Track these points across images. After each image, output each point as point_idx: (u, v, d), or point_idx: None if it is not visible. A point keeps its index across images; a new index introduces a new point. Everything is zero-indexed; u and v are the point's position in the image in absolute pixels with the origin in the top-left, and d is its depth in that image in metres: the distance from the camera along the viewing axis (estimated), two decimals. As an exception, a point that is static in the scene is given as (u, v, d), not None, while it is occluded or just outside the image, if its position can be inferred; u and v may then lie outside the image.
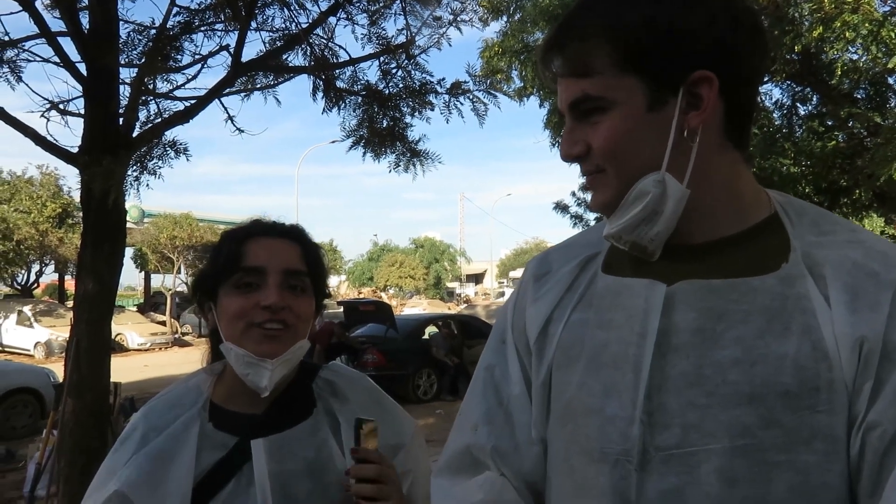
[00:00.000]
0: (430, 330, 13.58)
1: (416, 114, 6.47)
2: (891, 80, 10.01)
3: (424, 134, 6.58)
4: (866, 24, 7.25)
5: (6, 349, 19.48)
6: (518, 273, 48.88)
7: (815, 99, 11.27)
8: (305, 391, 1.24)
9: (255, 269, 1.16)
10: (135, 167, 5.55)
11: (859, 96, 10.59)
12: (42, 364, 14.08)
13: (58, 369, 9.94)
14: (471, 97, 6.31)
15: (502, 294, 43.52)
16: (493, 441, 0.98)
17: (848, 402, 0.78)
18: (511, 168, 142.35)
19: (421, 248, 50.17)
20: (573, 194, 15.55)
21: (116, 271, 5.28)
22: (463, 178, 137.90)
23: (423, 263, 47.34)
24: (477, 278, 63.21)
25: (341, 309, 14.09)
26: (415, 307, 31.66)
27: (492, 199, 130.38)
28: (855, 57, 8.51)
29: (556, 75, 0.90)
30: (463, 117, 6.47)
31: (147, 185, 5.82)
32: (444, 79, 6.33)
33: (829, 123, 10.84)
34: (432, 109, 6.44)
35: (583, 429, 0.88)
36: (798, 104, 11.50)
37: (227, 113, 6.18)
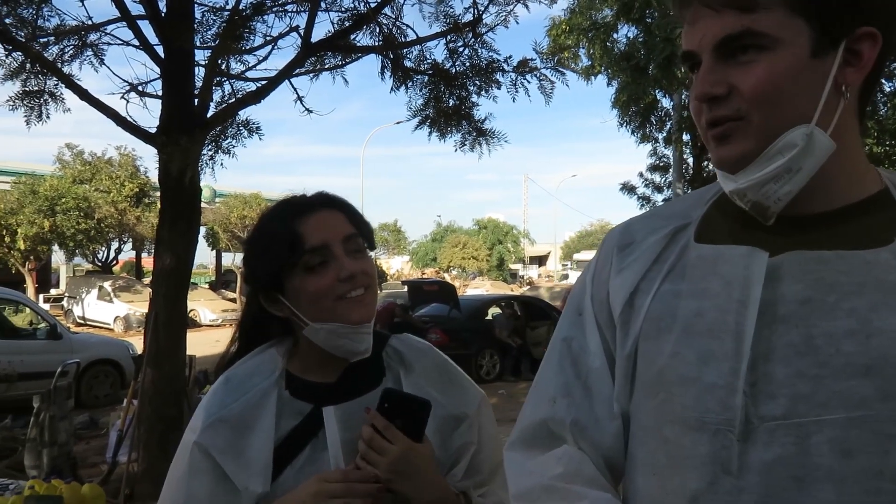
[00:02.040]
0: (493, 311, 13.59)
1: (483, 92, 6.44)
2: None
3: (491, 113, 6.54)
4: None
5: (88, 322, 20.45)
6: (583, 255, 48.31)
7: (901, 75, 10.72)
8: (376, 360, 1.25)
9: (321, 248, 1.16)
10: (210, 146, 5.70)
11: (951, 71, 10.01)
12: (121, 337, 14.70)
13: (136, 343, 10.38)
14: (538, 75, 6.24)
15: (566, 276, 43.17)
16: (572, 414, 0.95)
17: None
18: (576, 149, 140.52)
19: (484, 230, 50.12)
20: (640, 175, 15.27)
21: (192, 248, 5.46)
22: (527, 159, 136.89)
23: (486, 245, 47.31)
24: (540, 260, 62.83)
25: (405, 288, 14.22)
26: (478, 288, 31.72)
27: (556, 180, 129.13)
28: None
29: (699, 8, 0.83)
30: (529, 96, 6.41)
31: (221, 164, 5.98)
32: (510, 56, 6.29)
33: (917, 100, 10.30)
34: (499, 88, 6.41)
35: (678, 398, 0.85)
36: (882, 80, 10.97)
37: (297, 93, 6.28)
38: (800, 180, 0.82)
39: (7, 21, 5.46)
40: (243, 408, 1.17)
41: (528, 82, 6.33)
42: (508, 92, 6.32)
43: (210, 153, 5.70)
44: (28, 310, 9.73)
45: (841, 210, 0.84)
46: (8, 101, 5.88)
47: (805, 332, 0.79)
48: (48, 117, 6.00)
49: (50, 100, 5.98)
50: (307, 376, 1.22)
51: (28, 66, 5.78)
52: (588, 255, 44.60)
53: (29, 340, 8.80)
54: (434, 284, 13.91)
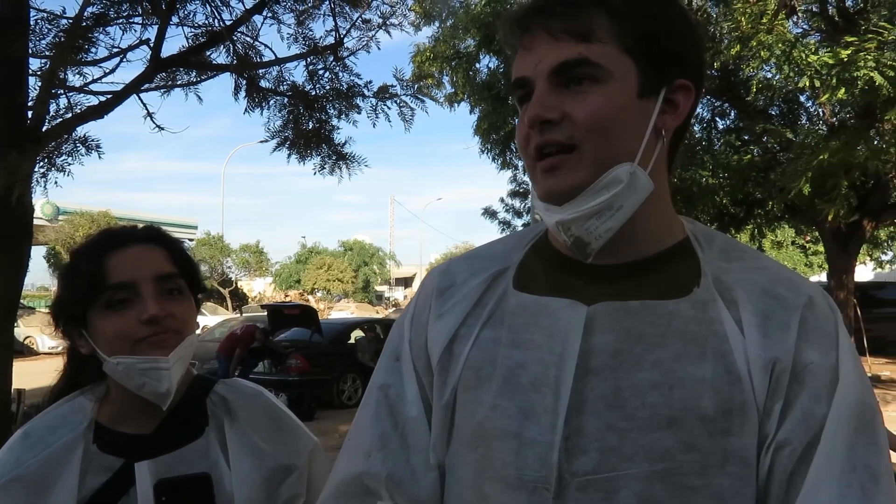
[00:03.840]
0: (357, 334, 13.48)
1: (343, 116, 6.40)
2: (801, 98, 10.53)
3: (351, 137, 6.48)
4: (780, 45, 7.59)
5: None
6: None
7: (732, 114, 11.77)
8: (198, 408, 1.18)
9: (125, 285, 1.10)
10: (42, 163, 5.28)
11: (773, 112, 11.10)
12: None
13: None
14: (398, 101, 6.28)
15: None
16: (387, 468, 0.91)
17: (759, 425, 0.79)
18: (442, 172, 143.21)
19: (350, 251, 49.76)
20: (502, 200, 15.76)
21: (21, 271, 5.02)
22: (394, 181, 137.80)
23: (351, 266, 46.93)
24: (406, 282, 63.19)
25: (265, 312, 13.81)
26: (342, 311, 31.37)
27: (422, 202, 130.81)
28: (769, 75, 8.91)
29: (537, 34, 0.85)
30: (390, 121, 6.44)
31: (55, 182, 5.56)
32: (371, 82, 6.30)
33: (746, 138, 11.33)
34: (359, 112, 6.39)
35: (497, 453, 0.84)
36: (717, 118, 11.99)
37: (146, 109, 5.96)
38: (620, 218, 0.83)
39: None
40: (42, 465, 1.07)
41: (389, 108, 6.36)
42: (368, 117, 6.32)
43: (43, 170, 5.28)
44: None
45: (649, 259, 0.87)
46: None
47: (614, 385, 0.80)
48: None
49: None
50: (119, 427, 1.14)
51: None
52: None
53: None
54: (295, 308, 13.60)
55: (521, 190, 15.18)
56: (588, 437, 0.80)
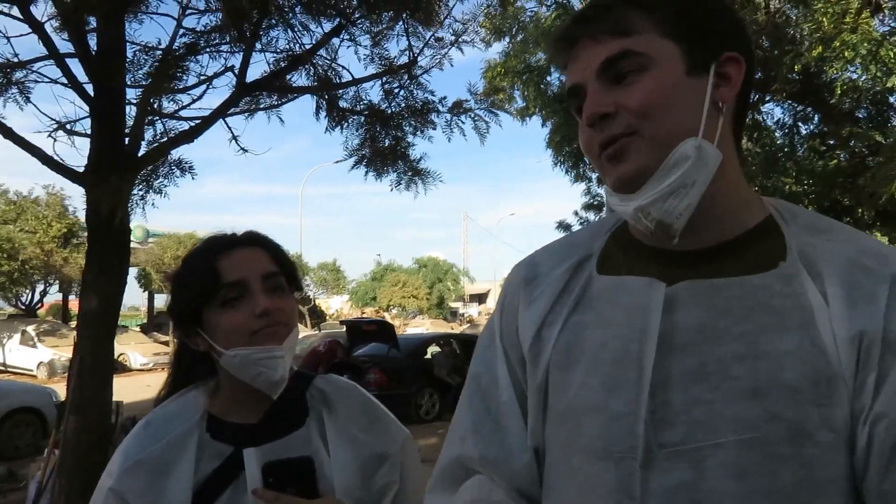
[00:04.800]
0: (433, 349, 13.56)
1: (418, 133, 6.53)
2: (891, 99, 10.08)
3: (426, 153, 6.59)
4: (865, 44, 7.31)
5: (9, 369, 19.48)
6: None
7: (816, 118, 11.34)
8: (299, 400, 1.26)
9: (237, 283, 1.19)
10: (141, 186, 5.60)
11: (860, 115, 10.65)
12: (44, 384, 14.06)
13: (60, 389, 9.94)
14: (472, 115, 6.37)
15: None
16: (480, 450, 0.96)
17: (849, 396, 0.79)
18: (514, 188, 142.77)
19: (424, 268, 50.18)
20: (575, 213, 15.60)
21: (120, 290, 5.31)
22: (467, 198, 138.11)
23: (426, 283, 47.33)
24: (480, 298, 63.12)
25: (344, 328, 14.08)
26: (418, 327, 31.62)
27: (495, 218, 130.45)
28: (854, 76, 8.58)
29: (582, 42, 0.89)
30: (465, 136, 6.52)
31: (153, 204, 5.87)
32: (445, 97, 6.40)
33: (831, 143, 10.89)
34: (434, 128, 6.51)
35: (585, 427, 0.88)
36: (799, 123, 11.57)
37: (232, 133, 6.24)
38: (696, 193, 0.85)
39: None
40: (162, 451, 1.17)
41: (463, 123, 6.46)
42: (444, 132, 6.43)
43: (141, 192, 5.59)
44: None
45: (729, 242, 0.89)
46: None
47: (699, 359, 0.83)
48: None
49: (-28, 137, 5.78)
50: (229, 418, 1.23)
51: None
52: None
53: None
54: (373, 324, 13.82)
55: (595, 202, 15.02)
56: (674, 410, 0.82)
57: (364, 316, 30.88)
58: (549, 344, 0.94)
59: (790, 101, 10.65)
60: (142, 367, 20.63)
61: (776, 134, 11.06)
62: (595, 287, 0.94)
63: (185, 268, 1.27)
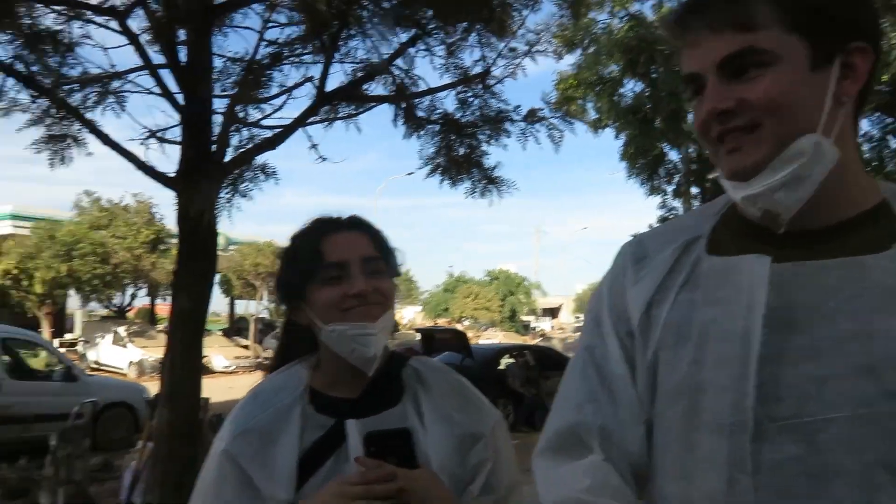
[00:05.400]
0: (507, 360, 13.54)
1: (493, 141, 6.61)
2: None
3: (500, 161, 6.65)
4: (958, 50, 6.97)
5: (102, 367, 20.49)
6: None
7: (906, 130, 10.84)
8: (396, 378, 1.31)
9: (338, 264, 1.26)
10: (227, 190, 5.87)
11: (955, 125, 10.12)
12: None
13: (150, 387, 10.44)
14: (547, 124, 6.41)
15: (578, 329, 42.64)
16: (599, 420, 0.97)
17: None
18: (588, 201, 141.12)
19: (496, 280, 50.10)
20: (650, 228, 15.32)
21: (208, 290, 5.57)
22: (539, 211, 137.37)
23: (498, 296, 47.22)
24: (553, 312, 62.53)
25: (419, 336, 14.22)
26: (490, 339, 31.58)
27: (568, 232, 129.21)
28: (948, 85, 8.18)
29: (700, 30, 0.87)
30: (539, 143, 6.56)
31: (238, 207, 6.14)
32: (519, 106, 6.46)
33: (922, 155, 10.39)
34: (508, 136, 6.57)
35: (697, 404, 0.89)
36: (888, 136, 11.09)
37: (311, 141, 6.48)
38: (808, 187, 0.85)
39: (34, 69, 5.72)
40: (269, 421, 1.24)
41: (538, 131, 6.51)
42: (518, 140, 6.49)
43: (228, 196, 5.87)
44: (45, 352, 9.84)
45: (843, 223, 0.88)
46: (33, 144, 6.11)
47: (811, 336, 0.83)
48: (70, 161, 6.22)
49: (73, 144, 6.21)
50: (330, 392, 1.29)
51: (52, 111, 6.01)
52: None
53: (45, 382, 8.89)
54: (447, 332, 13.91)
55: (670, 216, 14.75)
56: (785, 386, 0.83)
57: (439, 325, 31.08)
58: (658, 322, 0.95)
59: (878, 114, 10.23)
60: (224, 369, 21.34)
61: (864, 147, 10.63)
62: (704, 267, 0.95)
63: (292, 246, 1.34)
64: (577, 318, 56.19)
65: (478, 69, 6.33)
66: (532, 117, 6.42)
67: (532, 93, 7.28)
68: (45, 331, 22.37)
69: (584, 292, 63.17)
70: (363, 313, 1.24)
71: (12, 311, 22.17)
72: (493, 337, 33.85)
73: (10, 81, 5.74)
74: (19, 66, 5.62)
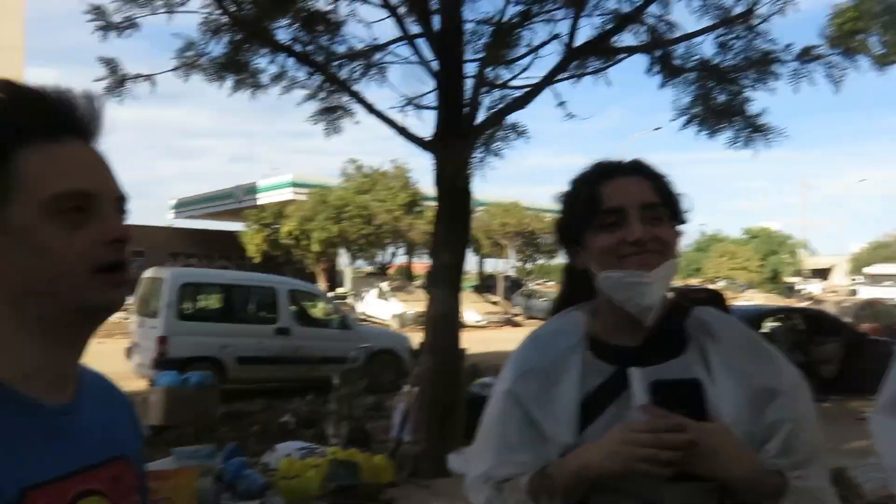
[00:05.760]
0: (771, 324, 12.56)
1: (758, 85, 6.07)
2: None
3: (766, 107, 6.07)
4: None
5: (368, 318, 22.58)
6: (876, 269, 42.29)
7: None
8: (678, 329, 1.25)
9: (616, 210, 1.21)
10: (480, 150, 6.08)
11: None
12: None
13: (411, 338, 11.28)
14: (824, 63, 5.73)
15: (854, 292, 38.18)
16: None
17: None
18: (865, 151, 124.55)
19: (755, 239, 46.52)
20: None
21: (465, 246, 5.86)
22: (803, 164, 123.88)
23: (757, 255, 43.88)
24: (822, 274, 56.64)
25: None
26: (748, 302, 29.51)
27: (841, 185, 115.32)
28: None
29: None
30: (815, 85, 5.89)
31: (491, 166, 6.33)
32: (791, 44, 5.85)
33: None
34: (776, 80, 5.99)
35: None
36: None
37: (558, 98, 6.45)
38: None
39: (308, 48, 6.33)
40: (551, 363, 1.24)
41: (813, 71, 5.85)
42: (789, 83, 5.89)
43: (481, 156, 6.07)
44: (323, 303, 11.06)
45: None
46: (311, 117, 6.81)
47: None
48: (342, 130, 6.83)
49: (343, 114, 6.80)
50: (609, 339, 1.25)
51: (325, 86, 6.62)
52: (883, 268, 39.24)
53: (325, 329, 10.01)
54: (701, 292, 13.15)
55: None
56: None
57: (692, 285, 29.70)
58: None
59: None
60: (475, 323, 22.38)
61: None
62: None
63: (571, 190, 1.32)
64: (854, 280, 50.11)
65: (740, 8, 5.83)
66: (806, 56, 5.78)
67: (803, 30, 6.53)
68: (321, 285, 25.14)
69: (861, 252, 56.24)
70: (640, 261, 1.19)
71: (294, 268, 25.20)
72: (753, 299, 31.57)
73: (290, 61, 6.43)
74: (297, 47, 6.26)
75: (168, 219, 34.20)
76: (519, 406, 1.22)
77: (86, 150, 0.82)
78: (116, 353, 9.20)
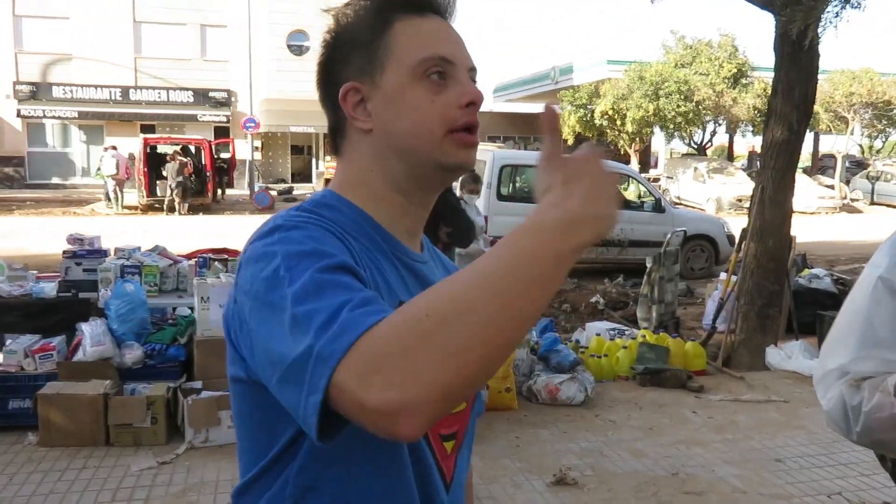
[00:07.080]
0: None
1: None
2: None
3: None
4: None
5: (682, 202, 21.57)
6: None
7: None
8: None
9: None
10: (835, 3, 5.12)
11: None
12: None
13: (728, 223, 10.55)
14: None
15: None
16: None
17: None
18: None
19: None
20: None
21: (807, 118, 5.11)
22: None
23: None
24: None
25: None
26: None
27: None
28: None
29: None
30: None
31: (847, 20, 5.35)
32: None
33: None
34: None
35: None
36: None
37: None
38: None
39: None
40: None
41: None
42: None
43: (835, 9, 5.11)
44: (637, 185, 10.69)
45: None
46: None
47: None
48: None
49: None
50: None
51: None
52: None
53: (638, 212, 9.72)
54: None
55: None
56: None
57: None
58: None
59: None
60: (803, 210, 20.18)
61: None
62: None
63: None
64: None
65: None
66: None
67: None
68: (634, 166, 24.45)
69: None
70: None
71: (606, 148, 24.79)
72: None
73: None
74: None
75: (487, 104, 35.66)
76: (890, 293, 1.12)
77: (445, 25, 0.92)
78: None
